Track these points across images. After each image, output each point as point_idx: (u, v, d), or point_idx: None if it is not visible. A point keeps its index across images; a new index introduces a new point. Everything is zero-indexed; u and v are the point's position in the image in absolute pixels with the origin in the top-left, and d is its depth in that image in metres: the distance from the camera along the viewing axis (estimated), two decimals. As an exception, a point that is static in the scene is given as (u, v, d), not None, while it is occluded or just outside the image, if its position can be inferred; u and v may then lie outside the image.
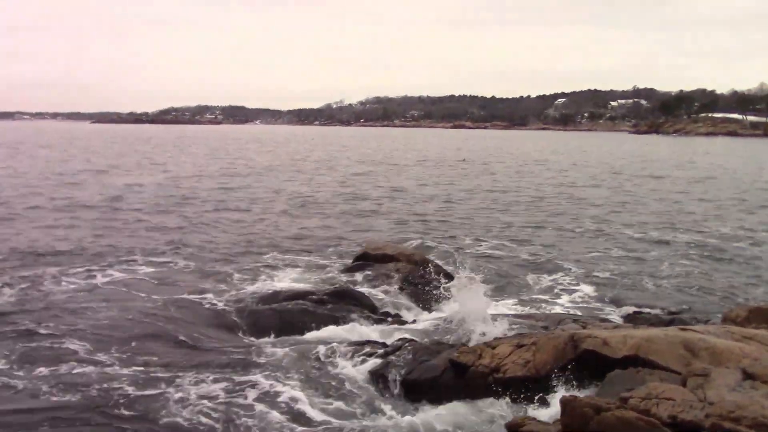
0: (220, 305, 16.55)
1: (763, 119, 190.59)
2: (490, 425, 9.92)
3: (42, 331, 13.84)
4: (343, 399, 11.30)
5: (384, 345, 13.41)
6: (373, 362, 12.53)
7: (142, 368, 12.17)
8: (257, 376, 12.00)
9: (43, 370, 11.81)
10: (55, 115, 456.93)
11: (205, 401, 10.83)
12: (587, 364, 10.13)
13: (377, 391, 11.70)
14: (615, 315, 16.26)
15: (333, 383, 11.91)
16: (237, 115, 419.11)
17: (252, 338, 14.55)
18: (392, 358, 12.63)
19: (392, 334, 14.63)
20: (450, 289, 18.54)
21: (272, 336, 14.64)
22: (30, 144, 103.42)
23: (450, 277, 19.75)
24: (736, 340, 9.69)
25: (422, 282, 18.47)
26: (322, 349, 13.40)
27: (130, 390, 11.10)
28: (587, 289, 19.17)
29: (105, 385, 11.26)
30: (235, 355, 13.18)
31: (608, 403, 7.67)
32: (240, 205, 35.66)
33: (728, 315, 12.82)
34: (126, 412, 10.30)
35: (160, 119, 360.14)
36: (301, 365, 12.64)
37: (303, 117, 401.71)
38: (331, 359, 12.90)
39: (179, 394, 11.05)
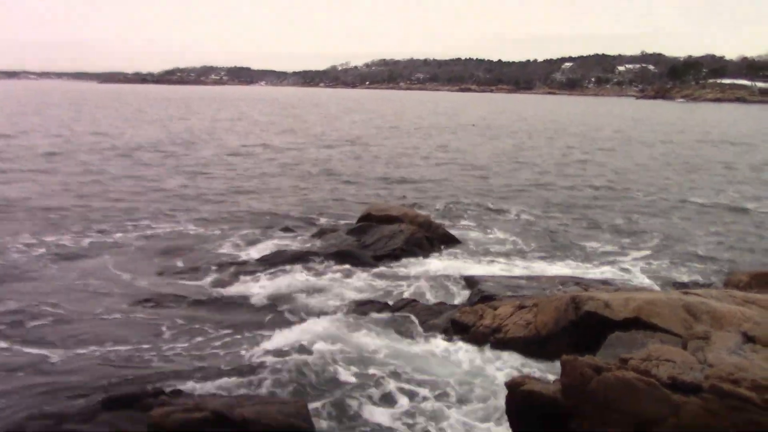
0: (228, 262, 16.71)
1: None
2: (491, 383, 10.00)
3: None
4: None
5: (387, 305, 13.48)
6: (377, 318, 12.60)
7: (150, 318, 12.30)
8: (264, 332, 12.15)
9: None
10: (60, 75, 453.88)
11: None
12: (588, 326, 10.16)
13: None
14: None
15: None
16: (242, 76, 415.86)
17: (256, 296, 14.61)
18: (396, 317, 12.72)
19: (395, 294, 14.69)
20: (454, 251, 18.61)
21: (274, 294, 14.72)
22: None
23: (453, 238, 19.80)
24: (738, 304, 9.70)
25: (424, 242, 18.49)
26: (325, 309, 13.51)
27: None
28: (594, 247, 19.14)
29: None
30: (240, 313, 13.32)
31: (608, 364, 7.71)
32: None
33: (730, 280, 12.84)
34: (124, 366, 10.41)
35: (165, 80, 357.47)
36: (305, 324, 12.74)
37: (308, 79, 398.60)
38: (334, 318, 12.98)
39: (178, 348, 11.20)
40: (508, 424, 8.40)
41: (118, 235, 19.43)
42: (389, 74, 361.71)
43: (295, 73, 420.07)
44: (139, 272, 15.90)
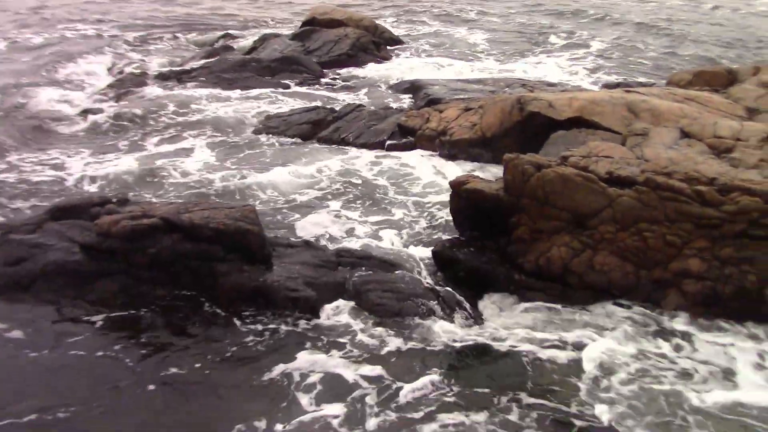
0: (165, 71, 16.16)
1: None
2: (436, 181, 10.23)
3: None
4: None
5: (332, 110, 13.35)
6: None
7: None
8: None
9: None
10: None
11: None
12: (533, 126, 10.28)
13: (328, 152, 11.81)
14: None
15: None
16: None
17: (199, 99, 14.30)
18: (341, 123, 12.66)
19: (340, 99, 14.54)
20: (402, 55, 18.26)
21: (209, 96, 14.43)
22: None
23: (399, 41, 19.39)
24: (678, 102, 9.84)
25: (371, 46, 18.07)
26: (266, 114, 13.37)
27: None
28: (550, 61, 18.89)
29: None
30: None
31: (549, 161, 7.87)
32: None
33: (672, 78, 12.94)
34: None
35: None
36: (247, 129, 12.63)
37: None
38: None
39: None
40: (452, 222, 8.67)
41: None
42: None
43: None
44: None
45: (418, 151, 11.39)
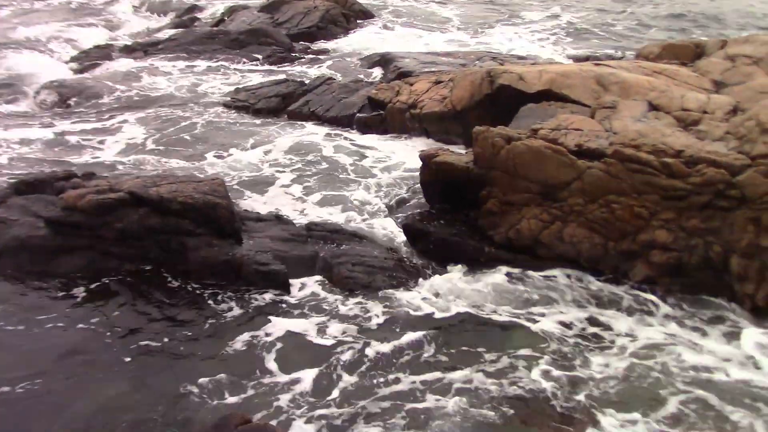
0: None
1: None
2: (407, 155, 10.22)
3: None
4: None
5: (302, 84, 13.24)
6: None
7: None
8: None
9: None
10: None
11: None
12: (503, 99, 10.26)
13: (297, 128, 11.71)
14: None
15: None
16: None
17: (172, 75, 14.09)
18: (311, 96, 12.56)
19: (310, 72, 14.42)
20: (372, 27, 18.11)
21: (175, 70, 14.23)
22: None
23: (370, 14, 19.23)
24: (647, 75, 9.88)
25: (340, 18, 17.91)
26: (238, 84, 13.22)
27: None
28: (521, 34, 18.82)
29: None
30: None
31: (519, 134, 7.89)
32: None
33: (641, 52, 12.97)
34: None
35: None
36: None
37: None
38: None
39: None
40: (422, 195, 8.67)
41: None
42: None
43: None
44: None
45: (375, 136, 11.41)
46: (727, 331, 6.52)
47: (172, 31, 16.87)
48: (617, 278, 7.21)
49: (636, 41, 17.63)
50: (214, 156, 10.27)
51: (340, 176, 9.79)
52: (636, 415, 5.42)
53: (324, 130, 11.47)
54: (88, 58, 14.74)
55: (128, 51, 15.42)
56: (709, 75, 10.05)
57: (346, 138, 11.09)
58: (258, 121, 11.79)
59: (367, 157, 10.34)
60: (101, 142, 10.74)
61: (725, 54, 10.69)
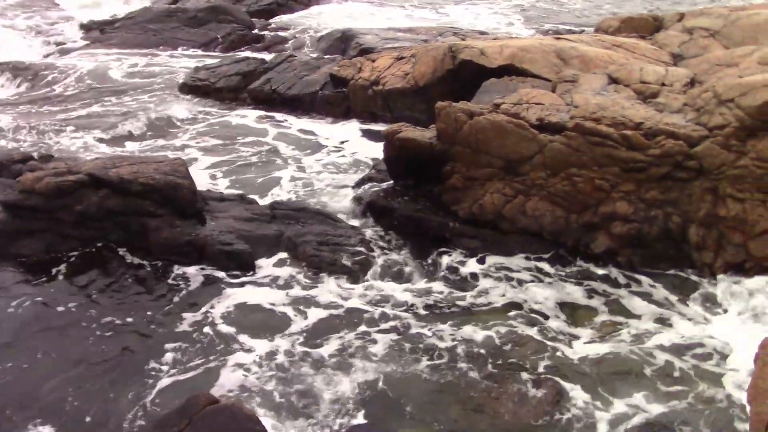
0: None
1: None
2: (370, 134, 10.21)
3: None
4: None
5: (263, 61, 13.09)
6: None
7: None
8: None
9: None
10: None
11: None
12: (465, 74, 10.26)
13: (260, 109, 11.60)
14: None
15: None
16: None
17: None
18: (272, 74, 12.43)
19: (271, 50, 14.26)
20: (333, 3, 17.93)
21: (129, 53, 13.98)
22: None
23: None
24: (606, 48, 9.97)
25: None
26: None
27: None
28: (483, 9, 18.76)
29: None
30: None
31: (481, 109, 7.91)
32: None
33: (601, 25, 13.06)
34: None
35: None
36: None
37: None
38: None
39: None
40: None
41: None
42: None
43: None
44: None
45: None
46: (687, 298, 6.67)
47: (129, 8, 16.51)
48: (577, 252, 7.30)
49: (595, 16, 17.75)
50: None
51: (291, 159, 9.85)
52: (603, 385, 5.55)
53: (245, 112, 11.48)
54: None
55: (85, 29, 15.08)
56: (667, 48, 10.17)
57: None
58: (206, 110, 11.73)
59: (317, 141, 10.38)
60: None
61: (683, 27, 10.82)
